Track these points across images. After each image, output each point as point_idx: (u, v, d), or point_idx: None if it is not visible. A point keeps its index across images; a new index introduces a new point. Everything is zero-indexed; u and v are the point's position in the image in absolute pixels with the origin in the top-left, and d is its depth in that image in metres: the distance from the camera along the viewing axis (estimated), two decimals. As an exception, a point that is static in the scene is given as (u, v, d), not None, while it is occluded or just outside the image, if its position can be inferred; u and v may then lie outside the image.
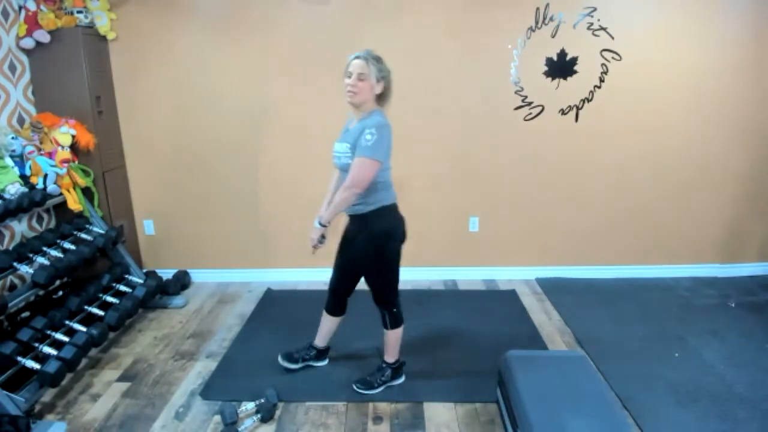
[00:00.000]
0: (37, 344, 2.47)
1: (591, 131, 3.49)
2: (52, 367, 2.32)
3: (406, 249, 3.82)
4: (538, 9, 3.28)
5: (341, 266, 2.44)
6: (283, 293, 3.65)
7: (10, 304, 2.50)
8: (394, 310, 2.44)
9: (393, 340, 2.46)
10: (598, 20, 3.29)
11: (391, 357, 2.49)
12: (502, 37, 3.36)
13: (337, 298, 2.54)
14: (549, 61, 3.38)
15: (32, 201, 2.76)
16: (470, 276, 3.41)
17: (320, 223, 2.22)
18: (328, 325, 2.59)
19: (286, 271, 3.84)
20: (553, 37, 3.33)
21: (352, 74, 2.10)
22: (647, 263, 3.77)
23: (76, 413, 2.39)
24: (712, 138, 3.50)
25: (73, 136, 3.10)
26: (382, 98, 2.19)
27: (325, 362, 2.69)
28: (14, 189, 2.76)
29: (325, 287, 3.70)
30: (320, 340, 2.63)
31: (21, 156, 2.94)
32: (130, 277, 3.27)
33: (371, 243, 2.26)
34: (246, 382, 2.58)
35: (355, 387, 2.47)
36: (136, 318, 3.27)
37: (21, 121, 3.13)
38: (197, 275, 3.88)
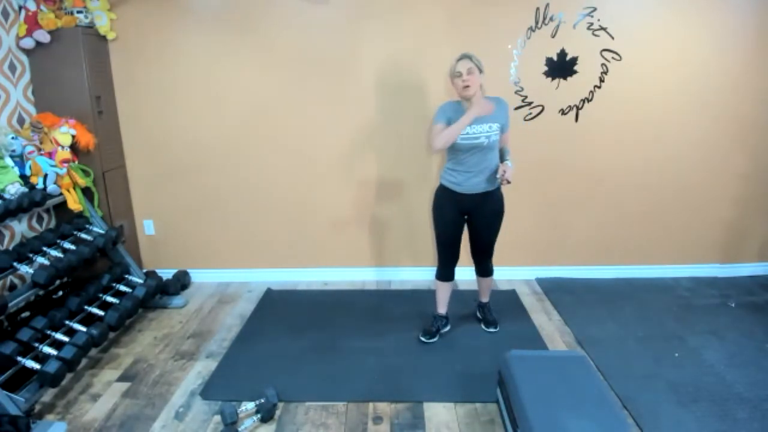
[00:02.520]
0: (37, 344, 2.47)
1: (591, 131, 3.49)
2: (52, 367, 2.32)
3: (407, 251, 3.85)
4: (538, 9, 3.28)
5: (480, 230, 2.80)
6: (283, 293, 3.65)
7: (10, 304, 2.50)
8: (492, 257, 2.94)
9: (492, 281, 3.05)
10: (598, 20, 3.29)
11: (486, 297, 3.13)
12: (502, 37, 3.36)
13: (453, 263, 2.90)
14: (549, 61, 3.38)
15: (32, 201, 2.76)
16: (470, 276, 3.40)
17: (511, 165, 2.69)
18: (444, 293, 2.99)
19: (286, 271, 3.85)
20: (553, 37, 3.33)
21: (462, 73, 2.55)
22: (647, 263, 3.77)
23: (76, 413, 2.39)
24: (712, 138, 3.49)
25: (73, 136, 3.10)
26: (482, 87, 2.66)
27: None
28: (14, 189, 2.76)
29: (325, 287, 3.74)
30: (443, 308, 3.02)
31: (21, 156, 2.94)
32: (130, 277, 3.27)
33: (500, 211, 2.79)
34: (246, 382, 2.58)
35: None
36: (136, 318, 3.27)
37: (21, 121, 3.13)
38: (197, 275, 3.88)
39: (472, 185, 2.66)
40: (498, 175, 2.61)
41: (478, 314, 3.15)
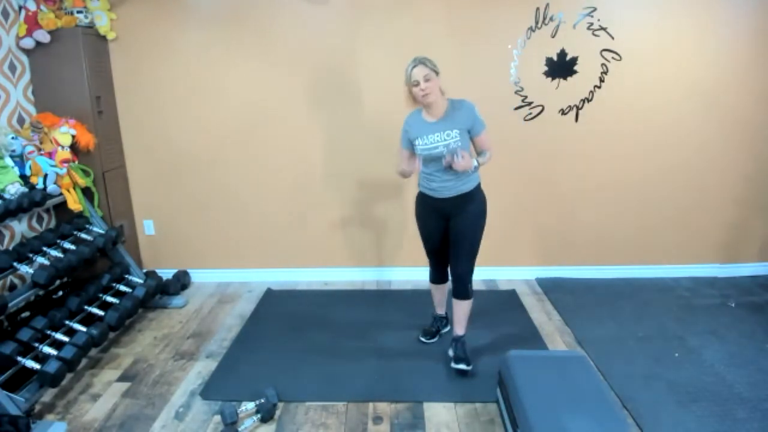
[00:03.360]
0: (37, 344, 2.47)
1: (591, 131, 3.49)
2: (52, 367, 2.32)
3: (407, 251, 3.84)
4: (538, 9, 3.28)
5: (457, 237, 2.60)
6: (282, 293, 3.65)
7: (10, 304, 2.50)
8: (472, 278, 2.66)
9: (468, 308, 2.70)
10: (598, 20, 3.29)
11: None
12: (501, 37, 3.36)
13: (443, 267, 2.80)
14: (549, 61, 3.38)
15: (32, 201, 2.76)
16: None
17: (477, 163, 2.47)
18: (440, 294, 2.97)
19: (286, 271, 3.85)
20: (553, 37, 3.33)
21: (419, 81, 2.39)
22: (647, 263, 3.77)
23: (76, 413, 2.39)
24: (712, 138, 3.49)
25: (73, 136, 3.10)
26: (442, 90, 2.52)
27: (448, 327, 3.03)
28: (14, 189, 2.76)
29: (325, 287, 3.74)
30: (441, 309, 3.02)
31: (21, 156, 2.94)
32: (130, 277, 3.27)
33: (483, 211, 2.60)
34: (246, 382, 2.58)
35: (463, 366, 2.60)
36: (136, 318, 3.27)
37: (21, 121, 3.13)
38: (197, 275, 3.88)
39: (447, 189, 2.51)
40: (446, 161, 2.38)
41: (450, 351, 2.69)
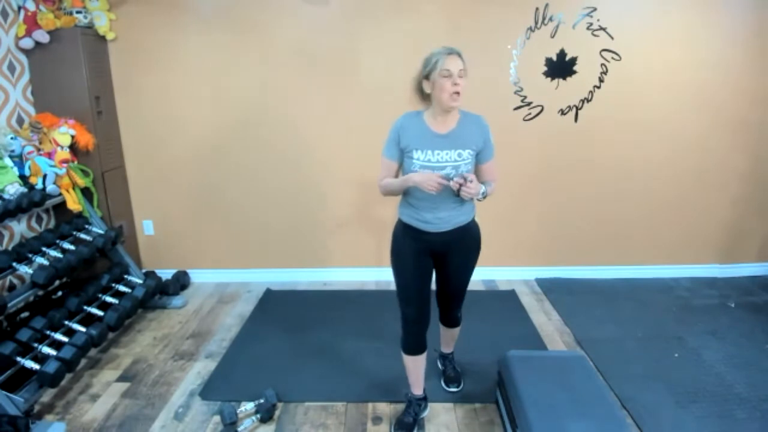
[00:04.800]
0: (36, 344, 2.47)
1: (590, 131, 3.49)
2: (51, 367, 2.32)
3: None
4: (537, 9, 3.28)
5: (451, 280, 2.19)
6: (282, 293, 3.65)
7: (9, 305, 2.50)
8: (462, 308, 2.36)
9: (458, 331, 2.45)
10: (598, 20, 3.29)
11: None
12: (501, 38, 3.36)
13: (424, 324, 2.17)
14: (548, 62, 3.38)
15: (31, 201, 2.76)
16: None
17: (484, 194, 1.98)
18: (417, 369, 2.26)
19: (286, 271, 3.84)
20: (552, 37, 3.33)
21: (453, 73, 1.86)
22: (647, 263, 3.77)
23: (76, 413, 2.39)
24: (712, 138, 3.49)
25: (73, 137, 3.09)
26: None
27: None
28: (13, 189, 2.76)
29: (324, 287, 3.73)
30: (419, 388, 2.30)
31: (20, 156, 2.94)
32: (130, 278, 3.27)
33: (479, 245, 2.18)
34: (245, 382, 2.58)
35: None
36: (135, 318, 3.27)
37: (20, 121, 3.13)
38: (196, 275, 3.87)
39: (443, 222, 2.00)
40: (455, 182, 1.87)
41: (439, 365, 2.59)
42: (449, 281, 2.20)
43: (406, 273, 2.10)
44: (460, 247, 2.11)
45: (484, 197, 1.99)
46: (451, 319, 2.36)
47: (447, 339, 2.51)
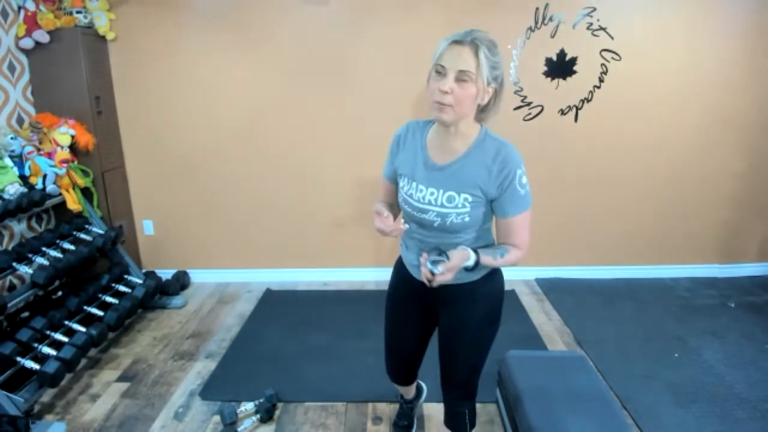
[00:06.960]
0: (36, 344, 2.47)
1: (590, 131, 3.49)
2: (51, 367, 2.31)
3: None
4: (537, 9, 3.28)
5: (447, 345, 1.67)
6: (282, 293, 3.65)
7: (9, 305, 2.50)
8: (474, 400, 1.74)
9: None
10: (598, 20, 3.29)
11: None
12: (501, 37, 3.31)
13: (406, 382, 1.94)
14: (548, 61, 3.38)
15: (31, 201, 2.76)
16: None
17: (476, 262, 1.41)
18: (408, 390, 2.06)
19: (286, 271, 3.84)
20: (552, 37, 3.33)
21: (448, 71, 1.30)
22: (647, 263, 3.77)
23: (76, 413, 2.39)
24: (712, 138, 3.49)
25: (73, 137, 3.09)
26: (486, 110, 1.41)
27: None
28: (13, 189, 2.76)
29: (324, 288, 3.74)
30: (410, 392, 2.10)
31: (20, 156, 2.94)
32: (130, 278, 3.26)
33: (493, 315, 1.62)
34: (245, 383, 2.58)
35: None
36: (135, 318, 3.27)
37: (20, 121, 3.13)
38: (196, 275, 3.87)
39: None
40: (424, 268, 1.35)
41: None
42: (442, 351, 1.67)
43: (387, 319, 1.74)
44: (461, 313, 1.56)
45: (474, 267, 1.41)
46: (450, 417, 1.74)
47: None
